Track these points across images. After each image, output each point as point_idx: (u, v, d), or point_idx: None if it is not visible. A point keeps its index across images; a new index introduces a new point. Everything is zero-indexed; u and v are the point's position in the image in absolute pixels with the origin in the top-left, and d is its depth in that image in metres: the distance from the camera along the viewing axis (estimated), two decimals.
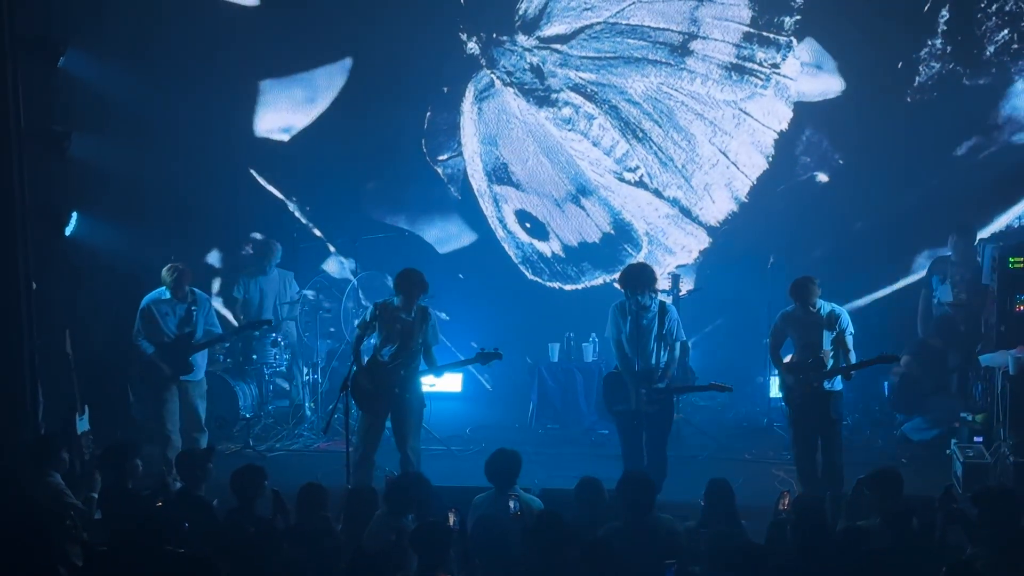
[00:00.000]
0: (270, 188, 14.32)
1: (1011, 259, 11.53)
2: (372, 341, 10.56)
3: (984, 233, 12.92)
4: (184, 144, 13.68)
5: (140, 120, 13.42)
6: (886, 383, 12.39)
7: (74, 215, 12.69)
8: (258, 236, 14.07)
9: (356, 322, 10.97)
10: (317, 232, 14.38)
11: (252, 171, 14.25)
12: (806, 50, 13.44)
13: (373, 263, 13.45)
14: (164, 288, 11.12)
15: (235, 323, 13.02)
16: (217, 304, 13.79)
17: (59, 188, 12.20)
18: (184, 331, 11.09)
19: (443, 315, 13.73)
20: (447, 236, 14.47)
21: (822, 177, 13.65)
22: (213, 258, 14.41)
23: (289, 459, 12.02)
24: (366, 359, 10.44)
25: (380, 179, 14.28)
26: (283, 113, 14.30)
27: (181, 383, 11.10)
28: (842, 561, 7.23)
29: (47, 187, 11.59)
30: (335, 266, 14.38)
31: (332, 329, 13.17)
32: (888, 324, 12.62)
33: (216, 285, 14.15)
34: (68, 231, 12.40)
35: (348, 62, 14.11)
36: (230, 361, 12.77)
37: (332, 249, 14.38)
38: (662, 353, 10.26)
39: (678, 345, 10.39)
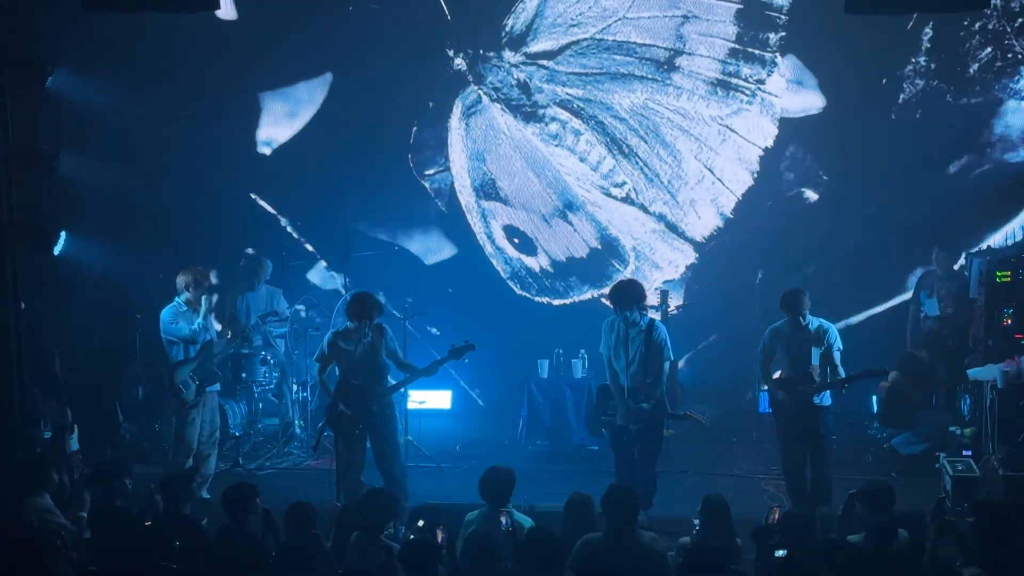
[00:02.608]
0: (263, 203, 14.32)
1: (998, 273, 11.61)
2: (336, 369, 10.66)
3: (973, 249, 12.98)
4: (173, 161, 13.67)
5: (128, 138, 13.42)
6: (874, 397, 12.42)
7: (63, 234, 12.68)
8: (251, 251, 14.05)
9: (315, 356, 10.99)
10: (309, 247, 14.39)
11: (252, 195, 14.27)
12: (787, 67, 13.51)
13: (364, 277, 13.47)
14: (179, 300, 11.05)
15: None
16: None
17: (47, 207, 12.18)
18: (204, 340, 11.07)
19: (433, 330, 13.77)
20: (433, 250, 14.49)
21: (810, 194, 13.71)
22: (213, 276, 14.38)
23: (279, 477, 12.01)
24: (333, 387, 10.52)
25: (366, 193, 14.26)
26: (264, 128, 14.31)
27: (204, 396, 11.11)
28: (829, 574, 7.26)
29: (35, 206, 11.57)
30: (319, 276, 14.37)
31: None
32: (881, 340, 12.67)
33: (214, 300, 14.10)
34: (57, 250, 12.39)
35: (329, 76, 14.12)
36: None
37: (324, 264, 14.38)
38: (648, 371, 10.28)
39: (667, 365, 10.39)
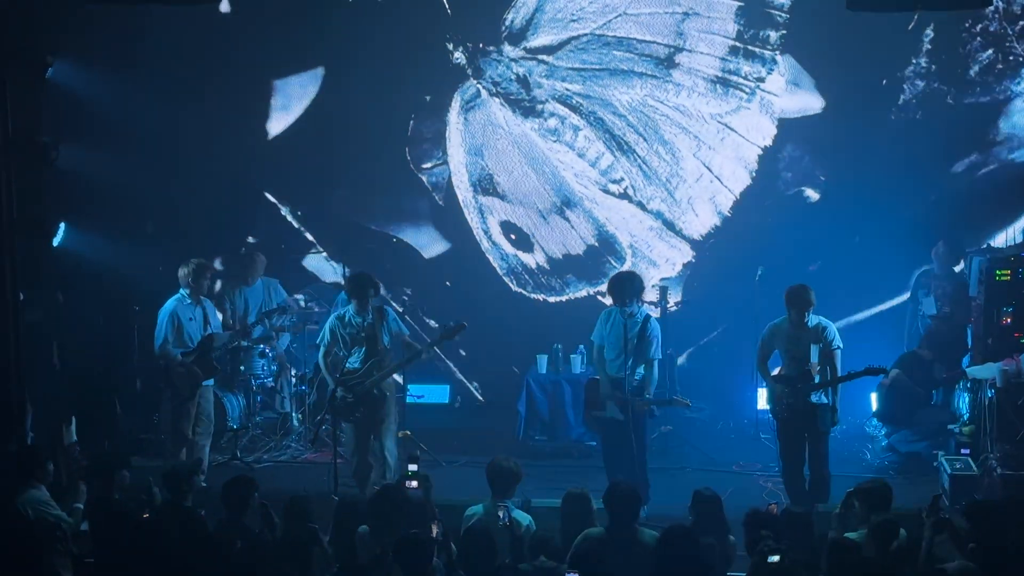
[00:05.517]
0: (265, 193, 14.31)
1: (998, 271, 11.61)
2: (340, 354, 10.69)
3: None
4: (172, 152, 13.64)
5: (128, 130, 13.36)
6: (874, 395, 12.43)
7: (62, 225, 12.68)
8: (252, 240, 14.02)
9: (318, 340, 11.02)
10: (309, 236, 14.38)
11: (261, 189, 14.28)
12: (785, 67, 13.50)
13: (363, 268, 13.42)
14: (183, 292, 11.09)
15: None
16: None
17: (47, 199, 12.18)
18: (204, 333, 11.12)
19: (431, 322, 13.78)
20: (431, 243, 14.48)
21: (811, 192, 13.70)
22: (217, 262, 14.38)
23: (277, 470, 12.00)
24: (337, 373, 10.56)
25: (365, 185, 14.26)
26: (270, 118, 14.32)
27: (200, 389, 11.15)
28: (830, 573, 7.26)
29: (35, 198, 11.56)
30: (318, 265, 14.37)
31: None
32: (886, 338, 12.68)
33: (218, 287, 14.09)
34: (56, 241, 12.39)
35: (321, 71, 14.11)
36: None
37: (324, 255, 14.36)
38: (638, 365, 10.28)
39: (655, 363, 10.37)
